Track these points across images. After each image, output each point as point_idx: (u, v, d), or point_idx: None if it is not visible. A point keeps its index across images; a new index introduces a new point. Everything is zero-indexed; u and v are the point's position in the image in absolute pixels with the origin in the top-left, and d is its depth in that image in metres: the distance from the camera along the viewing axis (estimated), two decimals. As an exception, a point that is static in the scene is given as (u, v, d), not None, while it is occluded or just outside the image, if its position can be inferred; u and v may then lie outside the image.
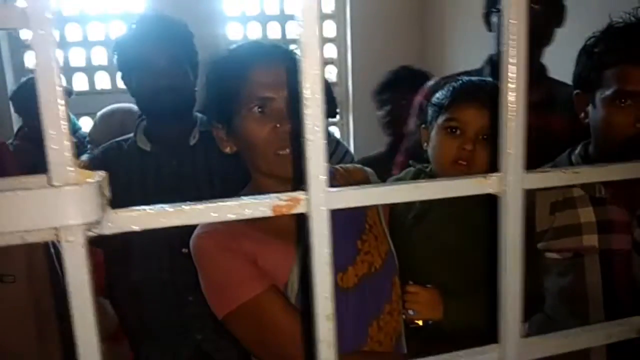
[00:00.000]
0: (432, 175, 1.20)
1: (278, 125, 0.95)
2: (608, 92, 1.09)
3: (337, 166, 1.20)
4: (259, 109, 0.96)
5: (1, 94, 3.01)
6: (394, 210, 1.16)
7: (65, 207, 0.37)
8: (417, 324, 1.10)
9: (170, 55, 1.40)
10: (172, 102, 1.38)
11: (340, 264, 1.02)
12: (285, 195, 0.45)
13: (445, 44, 3.14)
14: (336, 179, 1.14)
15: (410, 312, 1.09)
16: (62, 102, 0.37)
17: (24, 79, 2.40)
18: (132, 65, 1.43)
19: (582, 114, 1.17)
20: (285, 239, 1.00)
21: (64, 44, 3.14)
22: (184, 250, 1.42)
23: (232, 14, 3.29)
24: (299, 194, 0.45)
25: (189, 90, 1.44)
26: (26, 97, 2.29)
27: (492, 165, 1.13)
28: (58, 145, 0.37)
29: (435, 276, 1.13)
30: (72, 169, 0.38)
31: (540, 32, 1.54)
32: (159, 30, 1.42)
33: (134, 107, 2.25)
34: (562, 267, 1.15)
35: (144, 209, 0.42)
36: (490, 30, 1.68)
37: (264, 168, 1.00)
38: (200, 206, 0.43)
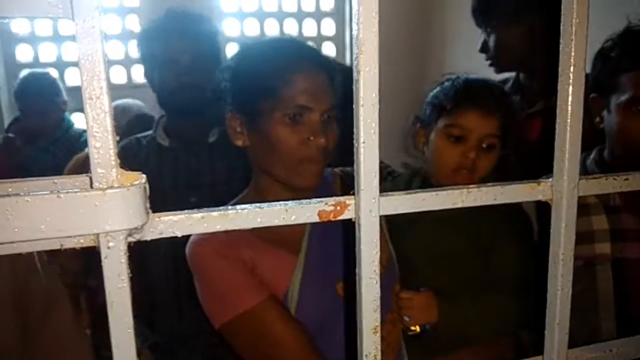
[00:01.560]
0: (426, 177, 1.17)
1: (311, 138, 0.90)
2: (623, 98, 1.07)
3: (337, 169, 1.14)
4: (294, 117, 0.90)
5: (-8, 87, 2.95)
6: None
7: (109, 212, 0.34)
8: (415, 330, 1.07)
9: (194, 52, 1.37)
10: (193, 99, 1.35)
11: (339, 272, 0.98)
12: (332, 200, 0.43)
13: (447, 43, 3.13)
14: (336, 183, 1.10)
15: (406, 318, 1.06)
16: (108, 96, 0.34)
17: (24, 74, 2.34)
18: (154, 61, 1.40)
19: (597, 119, 1.15)
20: (285, 247, 0.96)
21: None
22: None
23: (229, 10, 3.25)
24: (346, 199, 0.43)
25: (212, 87, 1.42)
26: (25, 93, 2.25)
27: (498, 172, 1.11)
28: (102, 143, 0.34)
29: (430, 279, 1.11)
30: (115, 170, 0.35)
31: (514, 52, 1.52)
32: (182, 26, 1.39)
33: (129, 102, 2.21)
34: (574, 276, 1.13)
35: (187, 214, 0.39)
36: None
37: (279, 175, 0.95)
38: (244, 211, 0.41)
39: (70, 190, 0.33)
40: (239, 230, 0.99)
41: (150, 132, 1.48)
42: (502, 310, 1.07)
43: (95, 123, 0.34)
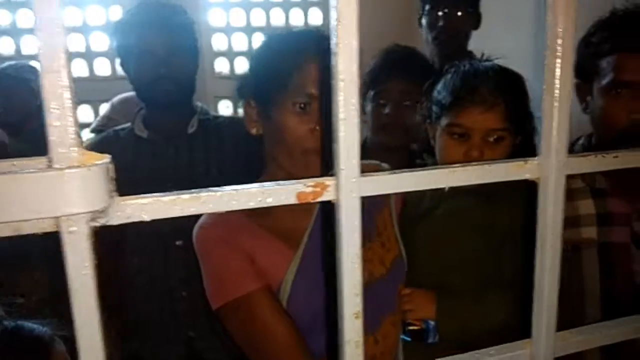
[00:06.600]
0: None
1: (317, 128, 0.91)
2: (604, 82, 1.07)
3: (373, 163, 1.14)
4: (302, 106, 0.91)
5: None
6: (405, 205, 1.11)
7: (68, 193, 0.32)
8: (415, 325, 1.06)
9: (169, 43, 1.36)
10: (170, 91, 1.34)
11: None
12: (310, 181, 0.41)
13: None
14: None
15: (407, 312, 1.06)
16: (66, 70, 0.32)
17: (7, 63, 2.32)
18: (130, 52, 1.38)
19: (583, 104, 1.15)
20: (286, 240, 0.97)
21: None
22: (178, 242, 1.37)
23: (214, 0, 3.20)
24: (325, 180, 0.41)
25: (188, 78, 1.40)
26: (6, 81, 2.21)
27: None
28: (60, 122, 0.32)
29: (439, 274, 1.08)
30: (76, 149, 0.33)
31: (459, 32, 1.75)
32: (158, 17, 1.37)
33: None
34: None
35: (156, 197, 0.37)
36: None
37: (285, 165, 0.96)
38: (218, 193, 0.38)
39: (26, 171, 0.31)
40: (244, 218, 0.98)
41: (128, 124, 1.46)
42: (511, 310, 1.01)
43: (53, 101, 0.32)
